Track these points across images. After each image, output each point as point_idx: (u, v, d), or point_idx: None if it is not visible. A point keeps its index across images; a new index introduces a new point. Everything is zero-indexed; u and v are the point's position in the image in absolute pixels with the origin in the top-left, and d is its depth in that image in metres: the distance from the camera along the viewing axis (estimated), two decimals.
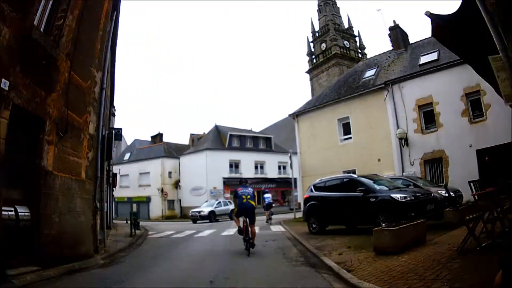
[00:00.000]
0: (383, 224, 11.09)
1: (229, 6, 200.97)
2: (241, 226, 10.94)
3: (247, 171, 47.74)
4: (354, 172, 21.73)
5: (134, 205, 50.57)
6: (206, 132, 53.90)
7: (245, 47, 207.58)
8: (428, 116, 21.41)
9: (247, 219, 10.81)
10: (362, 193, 13.00)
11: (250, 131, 55.68)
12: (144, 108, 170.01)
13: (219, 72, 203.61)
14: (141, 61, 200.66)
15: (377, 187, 13.27)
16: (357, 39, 75.23)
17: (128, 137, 66.61)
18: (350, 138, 25.25)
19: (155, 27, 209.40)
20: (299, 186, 29.77)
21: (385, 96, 23.14)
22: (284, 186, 50.64)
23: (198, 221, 32.30)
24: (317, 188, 15.52)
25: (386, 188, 13.23)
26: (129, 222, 22.02)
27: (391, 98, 22.72)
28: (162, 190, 49.78)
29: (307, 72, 74.60)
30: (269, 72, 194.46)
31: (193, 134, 57.63)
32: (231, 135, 49.40)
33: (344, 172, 22.75)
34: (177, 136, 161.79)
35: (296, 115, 29.20)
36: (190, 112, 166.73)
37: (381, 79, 24.34)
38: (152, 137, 60.45)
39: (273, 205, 28.35)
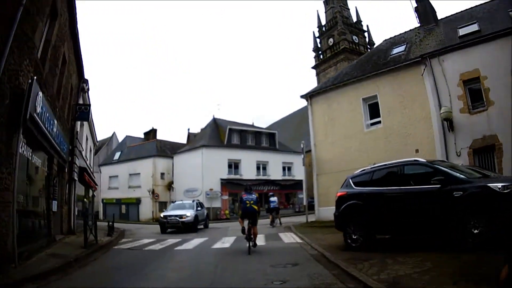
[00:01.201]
0: (475, 231, 7.52)
1: (226, 4, 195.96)
2: (245, 226, 11.86)
3: (248, 172, 42.77)
4: None
5: (123, 207, 48.54)
6: (203, 127, 48.65)
7: (245, 45, 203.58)
8: (475, 93, 17.24)
9: (250, 221, 11.79)
10: (439, 185, 8.31)
11: (252, 125, 50.31)
12: (141, 108, 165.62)
13: (217, 72, 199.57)
14: (137, 61, 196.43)
15: (461, 175, 8.65)
16: (366, 34, 70.82)
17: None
18: (379, 122, 20.41)
19: (151, 27, 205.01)
20: (305, 187, 27.39)
21: (422, 70, 18.64)
22: (288, 188, 45.76)
23: (169, 230, 22.10)
24: (358, 182, 10.80)
25: (468, 177, 8.71)
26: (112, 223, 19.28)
27: (430, 73, 18.33)
28: (153, 192, 44.99)
29: (313, 67, 70.16)
30: (271, 70, 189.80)
31: (191, 132, 52.74)
32: (230, 130, 44.02)
33: None
34: (175, 137, 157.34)
35: (310, 96, 24.05)
36: (189, 113, 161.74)
37: (415, 54, 19.89)
38: (145, 133, 55.53)
39: (280, 207, 26.36)
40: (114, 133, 64.04)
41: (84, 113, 19.00)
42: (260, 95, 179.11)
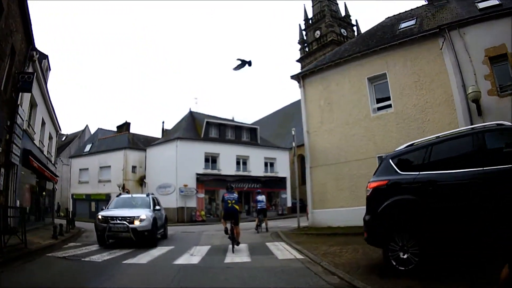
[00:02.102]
0: None
1: (216, 4, 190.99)
2: (228, 227, 11.53)
3: (227, 167, 38.75)
4: None
5: (93, 204, 44.53)
6: (178, 121, 44.35)
7: (225, 42, 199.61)
8: (503, 72, 14.31)
9: (233, 221, 11.52)
10: None
11: (232, 120, 46.07)
12: (118, 105, 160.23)
13: (197, 70, 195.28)
14: (127, 61, 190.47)
15: None
16: (355, 28, 67.80)
17: None
18: (389, 106, 16.83)
19: (142, 27, 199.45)
20: (290, 185, 25.01)
21: (440, 44, 15.36)
22: (271, 186, 41.71)
23: (110, 241, 13.26)
24: (406, 164, 6.92)
25: None
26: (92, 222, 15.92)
27: (450, 48, 15.11)
28: (123, 187, 40.48)
29: (298, 60, 66.91)
30: (256, 66, 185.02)
31: (166, 129, 48.74)
32: (208, 123, 39.91)
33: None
34: (151, 133, 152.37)
35: (302, 76, 20.22)
36: (167, 112, 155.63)
37: (430, 26, 16.57)
38: (118, 127, 50.98)
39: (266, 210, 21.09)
40: (87, 125, 60.63)
41: (27, 82, 15.40)
42: (241, 94, 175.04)
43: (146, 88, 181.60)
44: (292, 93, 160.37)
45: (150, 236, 13.08)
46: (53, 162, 28.55)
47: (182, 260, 9.65)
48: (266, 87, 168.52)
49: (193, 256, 10.37)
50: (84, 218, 42.77)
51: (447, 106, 14.88)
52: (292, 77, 20.39)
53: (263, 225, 19.27)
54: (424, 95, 15.57)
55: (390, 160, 7.12)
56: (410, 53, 16.20)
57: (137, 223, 12.86)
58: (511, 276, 2.72)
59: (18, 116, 15.45)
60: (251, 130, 44.51)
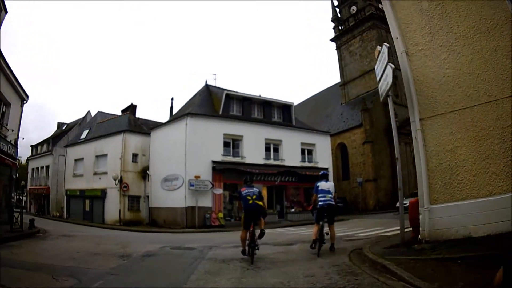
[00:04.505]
0: None
1: None
2: (246, 248, 9.16)
3: (252, 153, 29.52)
4: None
5: (87, 201, 36.63)
6: (191, 97, 35.31)
7: (251, 25, 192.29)
8: None
9: (255, 222, 9.23)
10: None
11: (259, 97, 35.13)
12: (142, 96, 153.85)
13: (220, 57, 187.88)
14: (142, 39, 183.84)
15: None
16: None
17: None
18: None
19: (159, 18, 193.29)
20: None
21: None
22: (309, 180, 29.58)
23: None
24: None
25: None
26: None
27: None
28: (120, 180, 32.41)
29: (332, 39, 58.01)
30: (285, 50, 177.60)
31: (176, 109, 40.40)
32: (228, 96, 30.68)
33: None
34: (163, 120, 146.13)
35: None
36: (184, 99, 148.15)
37: None
38: (122, 110, 42.79)
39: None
40: (88, 112, 52.46)
41: None
42: (267, 79, 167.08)
43: (160, 73, 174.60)
44: (324, 78, 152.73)
45: None
46: (11, 141, 20.16)
47: None
48: (296, 72, 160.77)
49: None
50: (78, 219, 35.34)
51: None
52: None
53: (327, 236, 10.00)
54: None
55: None
56: None
57: None
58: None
59: None
60: (284, 108, 34.56)
